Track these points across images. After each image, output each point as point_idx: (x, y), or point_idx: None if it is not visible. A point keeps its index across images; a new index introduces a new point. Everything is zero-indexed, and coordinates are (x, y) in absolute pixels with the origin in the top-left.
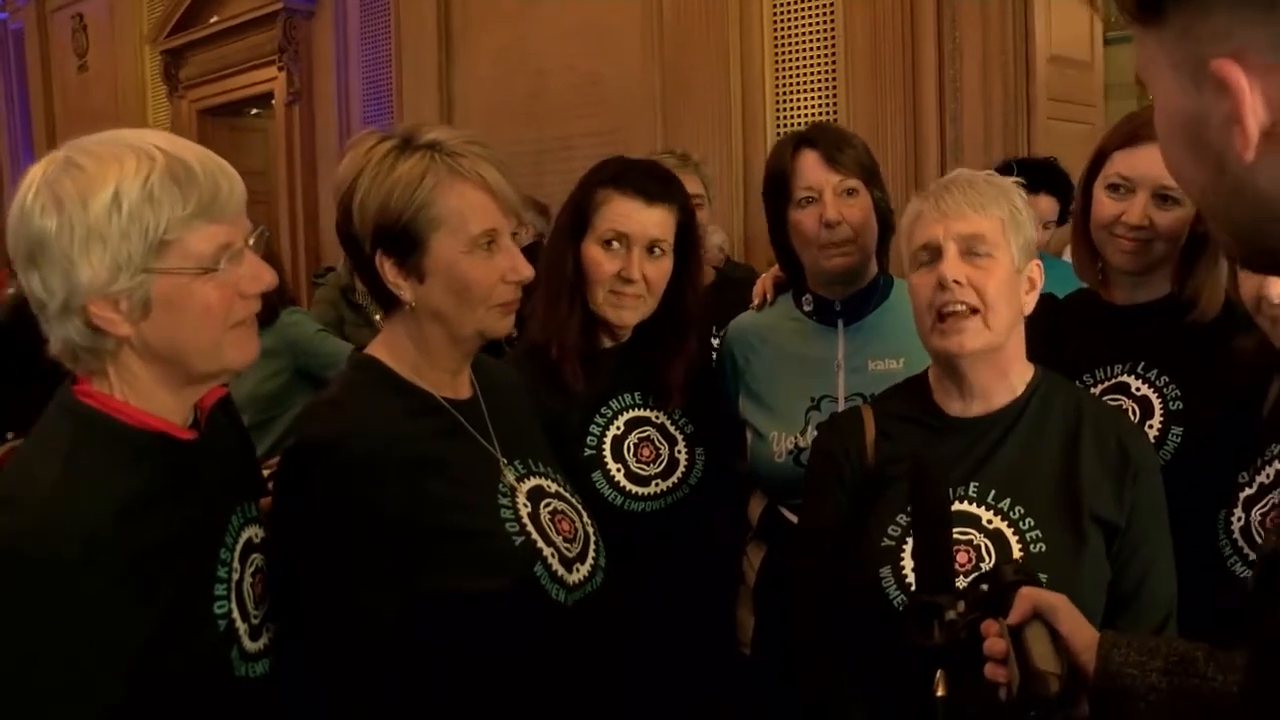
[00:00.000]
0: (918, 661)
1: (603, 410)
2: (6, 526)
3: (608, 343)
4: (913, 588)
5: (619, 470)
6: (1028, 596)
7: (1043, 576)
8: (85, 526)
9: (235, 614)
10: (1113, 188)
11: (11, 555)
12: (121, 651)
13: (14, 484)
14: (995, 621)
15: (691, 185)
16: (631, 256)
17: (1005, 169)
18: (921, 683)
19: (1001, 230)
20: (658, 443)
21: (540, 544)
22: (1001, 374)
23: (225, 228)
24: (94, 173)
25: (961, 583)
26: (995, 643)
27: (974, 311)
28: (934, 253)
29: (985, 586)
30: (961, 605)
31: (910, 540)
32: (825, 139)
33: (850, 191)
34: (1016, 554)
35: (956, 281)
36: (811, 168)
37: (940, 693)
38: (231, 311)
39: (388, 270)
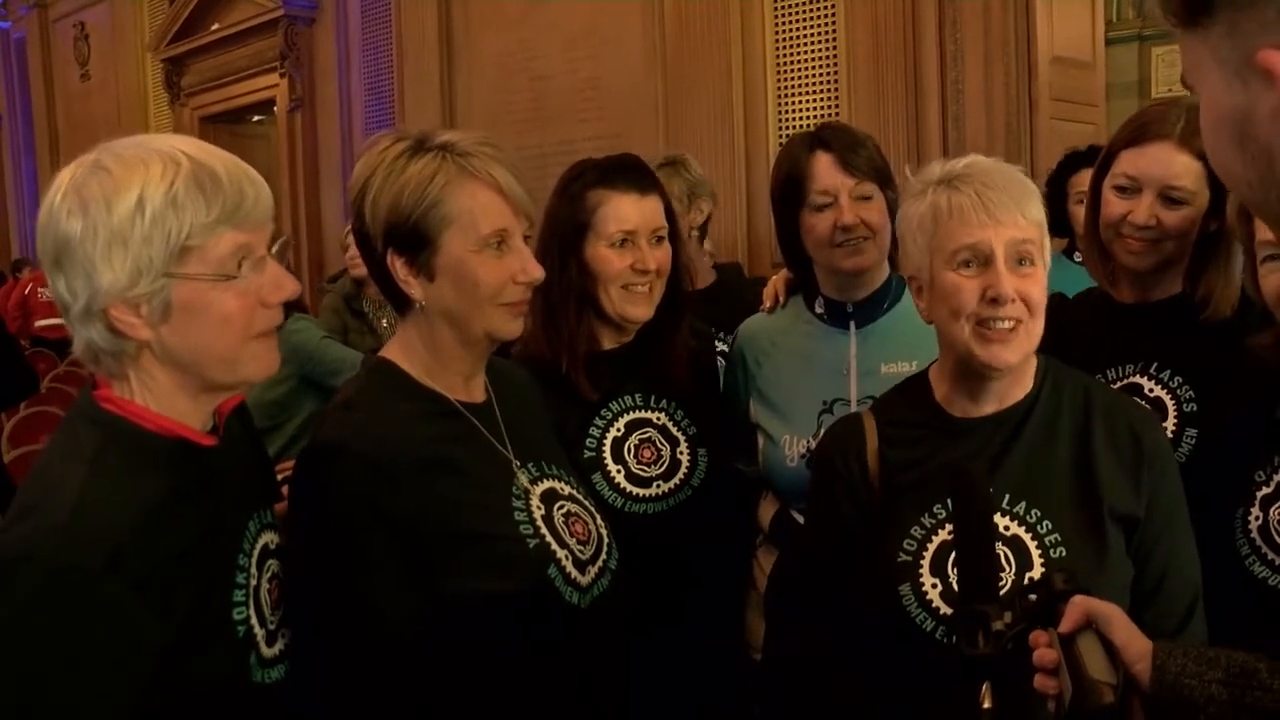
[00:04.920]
0: (962, 673)
1: (602, 412)
2: (31, 534)
3: (609, 344)
4: (933, 603)
5: (619, 472)
6: (1080, 605)
7: None
8: (110, 533)
9: (253, 620)
10: (1120, 188)
11: (37, 562)
12: (144, 658)
13: (37, 491)
14: (1045, 632)
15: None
16: (641, 249)
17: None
18: (964, 695)
19: (1040, 234)
20: (659, 444)
21: (554, 546)
22: (1018, 377)
23: (248, 235)
24: (120, 176)
25: None
26: (1046, 653)
27: (1018, 322)
28: (981, 258)
29: (1034, 596)
30: (1008, 616)
31: (929, 553)
32: (839, 141)
33: (865, 196)
34: (1037, 561)
35: (1012, 299)
36: (827, 171)
37: (986, 705)
38: (253, 321)
39: (398, 268)
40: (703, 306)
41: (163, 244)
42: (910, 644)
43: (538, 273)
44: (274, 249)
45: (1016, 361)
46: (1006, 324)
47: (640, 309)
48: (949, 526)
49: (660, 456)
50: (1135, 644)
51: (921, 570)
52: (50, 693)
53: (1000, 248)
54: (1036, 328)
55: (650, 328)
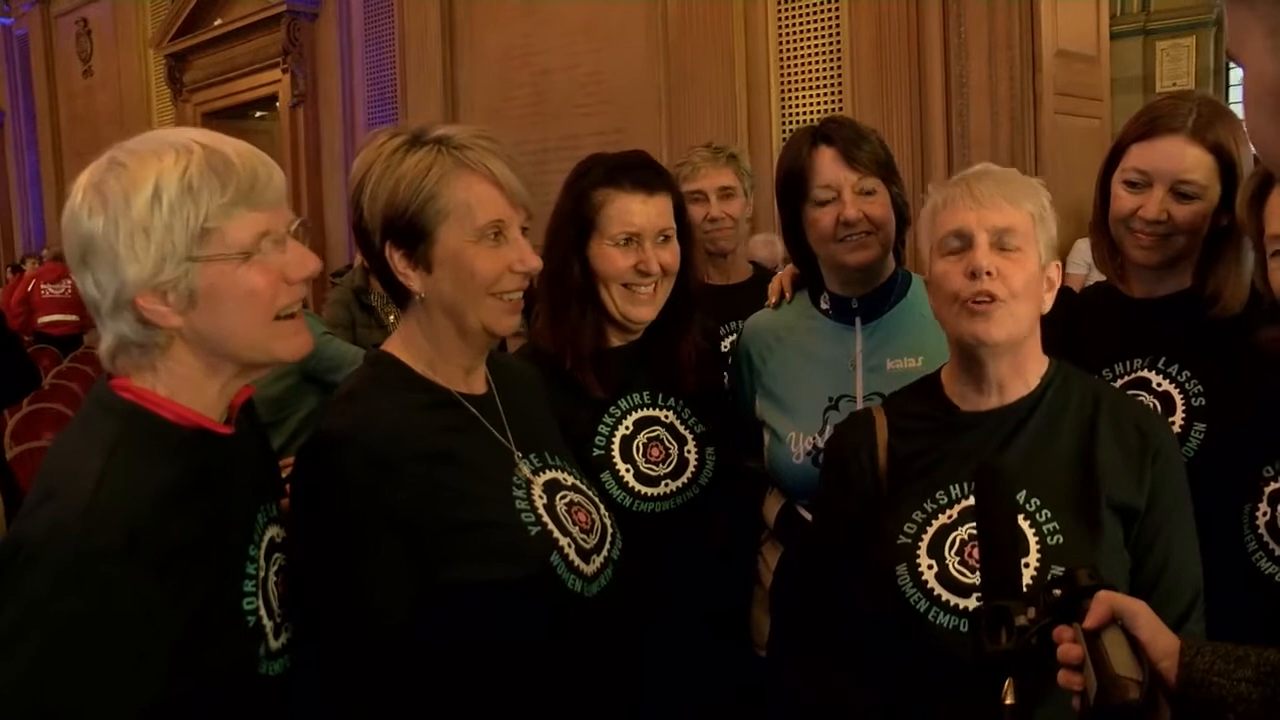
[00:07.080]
0: (986, 668)
1: (611, 410)
2: (50, 518)
3: (616, 341)
4: (928, 584)
5: (628, 470)
6: (1105, 601)
7: (1059, 571)
8: (126, 517)
9: (262, 611)
10: (1130, 182)
11: (56, 546)
12: (160, 642)
13: (56, 477)
14: (1069, 627)
15: (723, 177)
16: (645, 250)
17: None
18: (989, 689)
19: (1031, 225)
20: (667, 442)
21: (556, 534)
22: (1019, 369)
23: (265, 215)
24: (136, 170)
25: (973, 580)
26: (1070, 649)
27: (998, 300)
28: (965, 241)
29: (1058, 591)
30: (1032, 611)
31: (928, 536)
32: (842, 135)
33: (869, 191)
34: (1034, 548)
35: (988, 272)
36: (829, 166)
37: (1009, 701)
38: (277, 298)
39: (396, 261)
40: (742, 302)
41: (183, 229)
42: (905, 628)
43: (535, 262)
44: (293, 228)
45: (1003, 338)
46: (985, 298)
47: (642, 310)
48: (949, 511)
49: (668, 455)
50: (1161, 640)
51: (919, 552)
52: (71, 676)
53: (983, 232)
54: (1021, 310)
55: (658, 326)
